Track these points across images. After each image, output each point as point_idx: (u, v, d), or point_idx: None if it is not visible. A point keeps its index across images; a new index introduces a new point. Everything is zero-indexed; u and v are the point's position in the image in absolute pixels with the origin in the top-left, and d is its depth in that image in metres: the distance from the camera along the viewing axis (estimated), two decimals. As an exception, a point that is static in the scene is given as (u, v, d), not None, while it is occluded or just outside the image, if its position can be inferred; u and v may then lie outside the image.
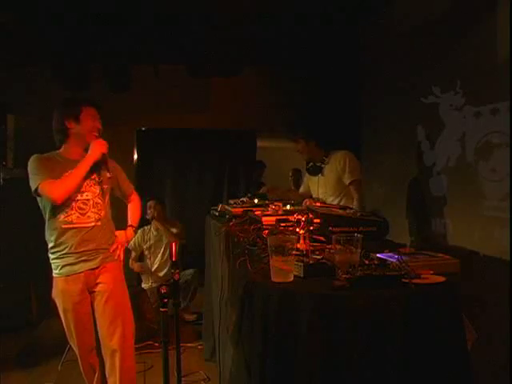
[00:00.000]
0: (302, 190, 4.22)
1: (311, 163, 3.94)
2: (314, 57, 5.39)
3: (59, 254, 2.70)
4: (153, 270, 5.02)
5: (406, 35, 4.33)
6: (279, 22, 4.70)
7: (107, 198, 2.84)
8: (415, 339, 1.58)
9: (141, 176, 6.25)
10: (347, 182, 3.72)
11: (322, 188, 3.88)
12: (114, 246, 2.86)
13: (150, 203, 5.08)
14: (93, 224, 2.74)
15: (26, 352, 4.14)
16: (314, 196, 3.95)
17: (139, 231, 5.07)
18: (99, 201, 2.76)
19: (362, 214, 2.55)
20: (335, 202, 3.71)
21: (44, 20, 4.41)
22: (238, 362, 1.89)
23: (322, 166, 3.84)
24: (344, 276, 1.62)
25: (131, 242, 4.94)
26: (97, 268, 2.75)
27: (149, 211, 5.04)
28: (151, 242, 5.03)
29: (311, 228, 2.02)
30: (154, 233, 5.03)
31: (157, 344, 3.99)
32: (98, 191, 2.76)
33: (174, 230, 5.00)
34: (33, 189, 2.61)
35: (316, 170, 3.89)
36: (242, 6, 4.17)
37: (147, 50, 5.17)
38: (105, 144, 2.75)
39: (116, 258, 2.86)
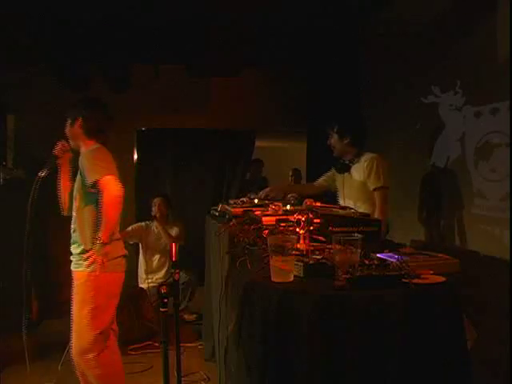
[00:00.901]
0: (319, 181, 3.90)
1: (340, 161, 3.65)
2: (314, 57, 5.39)
3: None
4: (151, 269, 5.01)
5: (406, 35, 4.33)
6: (279, 22, 4.70)
7: (78, 200, 2.76)
8: (415, 339, 1.58)
9: (141, 176, 6.25)
10: (372, 187, 3.38)
11: (347, 189, 3.61)
12: (88, 254, 2.65)
13: (156, 201, 5.07)
14: (72, 227, 2.83)
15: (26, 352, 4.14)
16: (339, 196, 3.68)
17: (143, 224, 5.06)
18: (74, 205, 2.82)
19: (362, 213, 2.55)
20: (358, 206, 3.34)
21: (44, 20, 4.41)
22: (238, 362, 1.89)
23: (350, 164, 3.56)
24: (344, 276, 1.62)
25: (129, 227, 4.94)
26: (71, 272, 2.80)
27: (153, 208, 5.03)
28: (152, 238, 5.02)
29: (311, 228, 2.02)
30: (155, 231, 5.03)
31: (157, 344, 3.99)
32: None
33: (173, 232, 4.98)
34: None
35: (343, 168, 3.62)
36: (242, 6, 4.17)
37: (147, 50, 5.16)
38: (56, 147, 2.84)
39: (86, 267, 2.63)
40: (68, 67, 5.15)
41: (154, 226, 5.03)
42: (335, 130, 3.60)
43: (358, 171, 3.51)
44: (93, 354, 2.66)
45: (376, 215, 3.27)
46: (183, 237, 5.02)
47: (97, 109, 2.93)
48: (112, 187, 2.54)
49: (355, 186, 3.52)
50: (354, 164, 3.56)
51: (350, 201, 3.52)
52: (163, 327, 2.22)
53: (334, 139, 3.63)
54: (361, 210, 3.07)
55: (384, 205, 3.37)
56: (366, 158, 3.50)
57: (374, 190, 3.39)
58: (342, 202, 3.60)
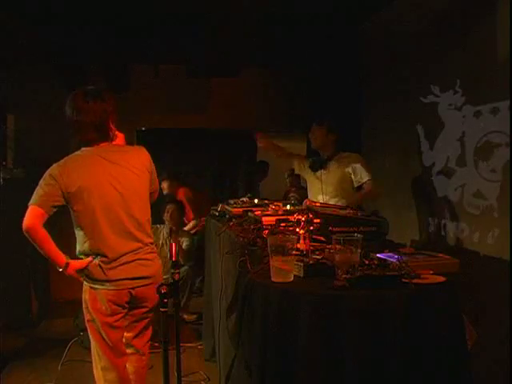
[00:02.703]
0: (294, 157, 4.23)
1: (314, 158, 3.88)
2: (314, 57, 5.39)
3: None
4: None
5: (405, 35, 4.33)
6: (279, 22, 4.70)
7: None
8: (415, 339, 1.58)
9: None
10: (364, 179, 3.65)
11: (319, 185, 3.78)
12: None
13: (168, 207, 4.94)
14: None
15: (26, 352, 4.14)
16: (313, 191, 3.88)
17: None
18: None
19: (362, 214, 2.55)
20: (331, 202, 3.61)
21: (44, 20, 4.41)
22: (238, 362, 1.90)
23: (329, 161, 3.76)
24: (344, 276, 1.62)
25: None
26: None
27: (165, 214, 4.96)
28: (159, 242, 4.99)
29: (311, 228, 2.03)
30: (165, 236, 4.97)
31: (157, 344, 3.99)
32: None
33: (184, 244, 4.97)
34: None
35: (319, 165, 3.81)
36: (242, 6, 4.17)
37: (147, 50, 5.17)
38: None
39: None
40: (68, 67, 5.15)
41: (165, 231, 4.99)
42: (326, 123, 3.77)
43: (338, 168, 3.72)
44: (99, 366, 2.50)
45: (357, 197, 3.69)
46: (193, 254, 4.98)
47: (70, 105, 2.47)
48: (26, 217, 2.37)
49: (333, 182, 3.72)
50: (331, 161, 3.76)
51: (327, 196, 3.71)
52: (163, 327, 2.21)
53: (320, 131, 3.80)
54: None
55: (372, 193, 3.71)
56: (350, 157, 3.75)
57: (365, 182, 3.66)
58: (318, 198, 3.75)
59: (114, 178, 2.47)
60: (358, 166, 3.67)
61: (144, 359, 2.71)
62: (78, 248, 2.52)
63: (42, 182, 2.42)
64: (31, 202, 2.38)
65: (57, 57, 5.01)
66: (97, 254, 2.45)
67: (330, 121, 3.84)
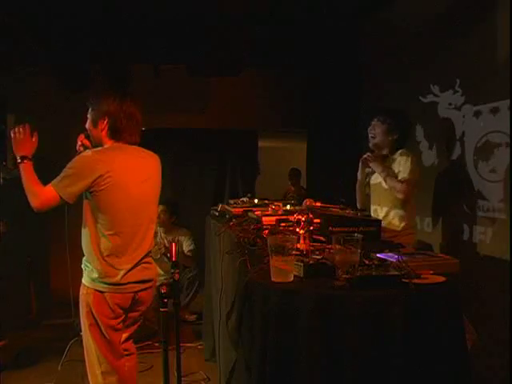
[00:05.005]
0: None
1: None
2: (314, 57, 5.39)
3: None
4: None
5: (406, 35, 4.33)
6: (279, 22, 4.70)
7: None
8: (415, 339, 1.58)
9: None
10: (400, 176, 3.23)
11: (379, 194, 3.44)
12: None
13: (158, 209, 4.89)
14: None
15: (26, 352, 4.14)
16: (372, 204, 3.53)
17: None
18: None
19: (362, 214, 2.55)
20: (383, 214, 3.30)
21: (44, 20, 4.41)
22: (238, 362, 1.90)
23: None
24: (344, 276, 1.62)
25: None
26: None
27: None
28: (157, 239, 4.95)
29: (311, 228, 2.03)
30: (164, 237, 4.93)
31: (157, 344, 3.99)
32: None
33: (185, 245, 4.94)
34: None
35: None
36: (242, 6, 4.17)
37: (147, 50, 5.17)
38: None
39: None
40: (68, 67, 5.14)
41: (161, 234, 4.94)
42: (388, 121, 3.39)
43: (396, 168, 3.32)
44: (99, 371, 2.47)
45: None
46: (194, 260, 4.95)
47: (118, 107, 2.60)
48: (42, 197, 2.38)
49: (381, 189, 3.36)
50: (385, 162, 3.40)
51: (384, 207, 3.36)
52: (163, 327, 2.22)
53: (381, 128, 3.39)
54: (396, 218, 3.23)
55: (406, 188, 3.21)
56: (401, 153, 3.34)
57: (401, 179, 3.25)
58: (375, 208, 3.43)
59: (143, 177, 2.60)
60: (403, 162, 3.26)
61: (134, 357, 2.74)
62: (100, 246, 2.41)
63: (72, 167, 2.39)
64: (56, 181, 2.36)
65: (57, 57, 5.00)
66: (117, 253, 2.40)
67: (392, 119, 3.41)
